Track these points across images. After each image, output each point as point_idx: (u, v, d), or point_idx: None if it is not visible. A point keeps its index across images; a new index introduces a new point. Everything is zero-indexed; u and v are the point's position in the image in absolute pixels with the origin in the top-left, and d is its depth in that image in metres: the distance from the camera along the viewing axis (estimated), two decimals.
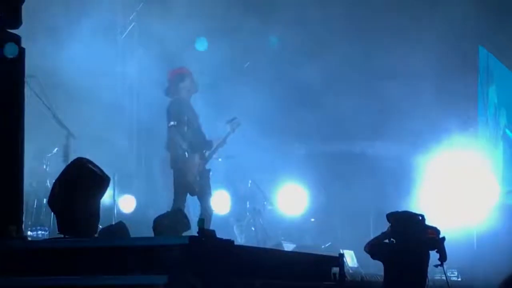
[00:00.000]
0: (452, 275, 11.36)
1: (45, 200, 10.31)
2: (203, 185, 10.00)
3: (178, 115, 9.95)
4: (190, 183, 9.91)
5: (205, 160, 10.09)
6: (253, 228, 12.14)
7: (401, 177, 12.11)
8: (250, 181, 12.41)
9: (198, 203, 10.12)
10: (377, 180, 12.23)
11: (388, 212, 7.59)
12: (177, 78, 10.16)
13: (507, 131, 13.53)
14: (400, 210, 7.69)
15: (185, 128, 9.97)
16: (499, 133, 13.24)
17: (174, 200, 9.86)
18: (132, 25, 14.25)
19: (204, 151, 10.09)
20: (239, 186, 12.47)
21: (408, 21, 12.14)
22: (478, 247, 12.10)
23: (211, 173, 10.20)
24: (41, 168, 11.03)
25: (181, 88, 10.11)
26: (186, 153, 9.91)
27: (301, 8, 12.59)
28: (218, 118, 10.99)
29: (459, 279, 11.45)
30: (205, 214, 9.73)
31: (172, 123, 9.94)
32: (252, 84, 12.38)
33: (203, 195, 9.96)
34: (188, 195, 10.05)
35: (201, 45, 13.39)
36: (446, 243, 7.43)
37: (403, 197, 11.53)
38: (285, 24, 12.55)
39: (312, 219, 12.80)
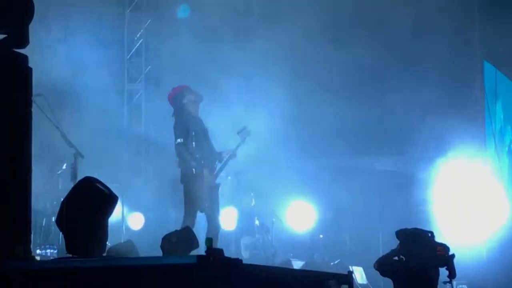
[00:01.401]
0: None
1: (53, 218, 10.32)
2: (213, 200, 9.96)
3: (184, 131, 9.92)
4: (199, 199, 9.88)
5: (214, 174, 10.07)
6: (261, 248, 12.09)
7: (410, 193, 12.08)
8: (252, 194, 12.37)
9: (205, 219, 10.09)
10: (386, 196, 12.19)
11: (397, 229, 7.57)
12: (177, 97, 10.15)
13: None
14: (409, 227, 7.67)
15: (193, 144, 9.95)
16: (504, 149, 13.21)
17: (184, 217, 9.83)
18: (139, 42, 14.31)
19: (214, 165, 10.06)
20: (247, 202, 12.44)
21: (414, 35, 12.13)
22: (487, 261, 12.05)
23: (220, 189, 10.18)
24: (50, 187, 11.05)
25: (185, 104, 10.09)
26: (194, 170, 9.88)
27: (303, 13, 12.60)
28: (228, 129, 10.97)
29: None
30: (213, 231, 9.70)
31: (178, 140, 9.92)
32: (259, 98, 12.37)
33: (212, 212, 9.92)
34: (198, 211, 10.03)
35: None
36: (456, 258, 7.40)
37: (412, 213, 11.50)
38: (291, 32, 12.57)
39: (321, 236, 12.75)
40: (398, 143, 12.57)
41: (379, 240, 11.61)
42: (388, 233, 7.93)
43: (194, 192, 9.86)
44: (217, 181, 10.16)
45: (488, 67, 13.03)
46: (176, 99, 10.15)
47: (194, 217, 9.85)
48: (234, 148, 10.25)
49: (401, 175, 12.40)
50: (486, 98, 12.93)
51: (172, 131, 10.09)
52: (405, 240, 7.45)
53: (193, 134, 9.94)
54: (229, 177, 10.44)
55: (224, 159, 10.18)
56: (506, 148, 13.32)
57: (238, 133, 10.35)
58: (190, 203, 9.88)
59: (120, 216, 12.49)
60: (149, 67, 14.32)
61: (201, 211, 9.98)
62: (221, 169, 10.19)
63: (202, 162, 9.95)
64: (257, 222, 12.42)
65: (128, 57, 14.29)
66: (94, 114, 12.00)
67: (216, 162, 10.13)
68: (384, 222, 11.22)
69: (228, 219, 11.78)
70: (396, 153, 12.74)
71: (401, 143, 12.58)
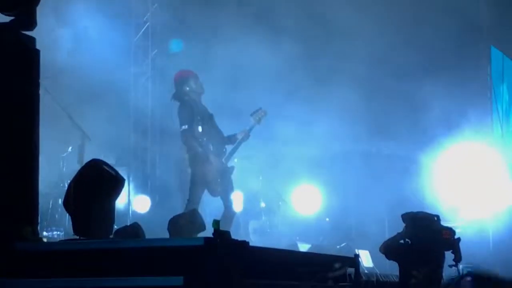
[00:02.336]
0: None
1: (60, 200, 10.36)
2: (226, 184, 9.94)
3: (189, 117, 9.85)
4: (209, 183, 9.88)
5: (225, 157, 10.04)
6: (268, 230, 12.12)
7: (415, 176, 12.07)
8: (260, 178, 12.39)
9: (213, 203, 10.10)
10: (392, 179, 12.18)
11: (403, 212, 7.57)
12: (181, 81, 10.06)
13: None
14: (415, 210, 7.67)
15: (199, 128, 9.93)
16: (509, 129, 13.24)
17: (188, 200, 9.85)
18: (146, 26, 14.29)
19: (223, 149, 10.04)
20: (253, 185, 12.46)
21: (421, 20, 12.09)
22: (493, 245, 12.05)
23: (234, 171, 10.15)
24: (57, 169, 11.07)
25: (187, 91, 9.99)
26: (201, 155, 9.84)
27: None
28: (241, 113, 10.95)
29: None
30: (229, 214, 9.73)
31: (184, 127, 9.84)
32: (267, 79, 12.35)
33: (226, 195, 9.92)
34: (208, 194, 10.02)
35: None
36: (461, 242, 7.41)
37: (419, 196, 11.51)
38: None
39: (327, 219, 12.77)
40: (405, 127, 12.54)
41: (385, 223, 11.63)
42: (394, 216, 7.93)
43: (202, 177, 9.84)
44: (230, 164, 10.13)
45: (495, 52, 13.03)
46: (180, 84, 10.07)
47: (198, 200, 9.84)
48: (247, 129, 10.20)
49: (408, 159, 12.37)
50: (492, 82, 12.93)
51: (177, 116, 10.05)
52: (410, 223, 7.46)
53: (199, 118, 9.88)
54: (236, 160, 10.41)
55: (237, 141, 10.13)
56: (511, 128, 13.36)
57: (251, 114, 10.30)
58: (195, 188, 9.88)
59: (126, 199, 12.52)
60: (156, 50, 14.30)
61: (214, 196, 9.98)
62: (233, 152, 10.13)
63: (210, 146, 9.93)
64: (263, 205, 12.44)
65: (135, 40, 14.27)
66: (101, 97, 11.99)
67: (226, 146, 10.10)
68: (390, 206, 11.21)
69: (234, 202, 11.80)
70: (403, 137, 12.71)
71: (408, 127, 12.54)
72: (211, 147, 9.93)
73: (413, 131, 12.54)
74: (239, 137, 10.16)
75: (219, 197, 9.96)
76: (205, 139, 9.90)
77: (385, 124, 12.56)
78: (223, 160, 10.03)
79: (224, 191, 9.90)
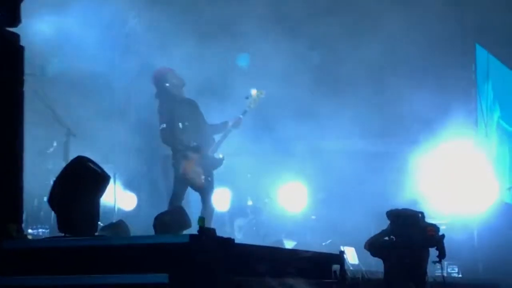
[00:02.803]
0: (452, 271, 11.39)
1: (45, 198, 10.30)
2: (208, 180, 9.88)
3: (168, 115, 9.80)
4: (191, 180, 9.84)
5: (211, 149, 9.92)
6: (254, 228, 12.12)
7: (401, 174, 12.11)
8: (249, 175, 12.39)
9: (199, 200, 10.08)
10: (377, 176, 12.23)
11: (388, 209, 7.60)
12: (159, 79, 10.00)
13: (501, 121, 13.63)
14: (400, 207, 7.70)
15: (180, 125, 9.83)
16: (493, 126, 13.31)
17: (171, 197, 9.82)
18: (134, 21, 14.23)
19: (210, 140, 9.89)
20: (239, 182, 12.46)
21: (404, 17, 12.11)
22: (478, 243, 12.11)
23: (224, 163, 9.99)
24: (41, 166, 11.01)
25: (168, 88, 9.92)
26: (180, 152, 9.76)
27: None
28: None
29: (460, 275, 11.47)
30: (207, 211, 9.68)
31: (162, 125, 9.81)
32: (256, 73, 12.33)
33: (206, 192, 9.89)
34: (192, 191, 9.99)
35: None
36: (446, 240, 7.44)
37: (404, 193, 11.54)
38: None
39: (313, 217, 12.79)
40: (389, 124, 12.59)
41: (371, 220, 11.65)
42: (380, 213, 7.95)
43: (183, 175, 9.80)
44: (218, 155, 10.00)
45: (480, 50, 13.09)
46: (159, 82, 10.01)
47: (181, 197, 9.80)
48: (239, 116, 10.00)
49: (393, 156, 12.42)
50: (477, 80, 12.99)
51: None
52: (395, 220, 7.49)
53: (179, 115, 9.80)
54: (221, 155, 10.28)
55: (227, 129, 9.94)
56: (495, 125, 13.44)
57: (247, 97, 10.08)
58: (177, 185, 9.85)
59: (112, 197, 12.48)
60: (143, 46, 14.24)
61: (196, 190, 9.93)
62: (220, 142, 9.92)
63: (192, 142, 9.85)
64: (250, 203, 12.45)
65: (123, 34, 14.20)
66: (86, 93, 11.95)
67: (214, 136, 9.95)
68: (376, 203, 11.25)
69: (221, 200, 11.79)
70: (388, 134, 12.76)
71: (392, 125, 12.60)
72: (193, 143, 9.84)
73: (397, 128, 12.59)
74: (230, 124, 9.96)
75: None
76: (185, 135, 9.81)
77: (370, 121, 12.59)
78: (209, 152, 9.90)
79: (205, 188, 9.83)
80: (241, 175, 12.40)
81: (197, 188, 9.87)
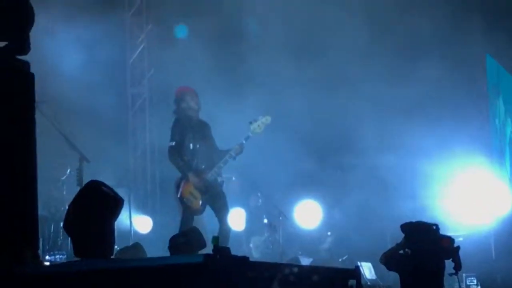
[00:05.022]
0: (471, 283, 11.32)
1: (61, 224, 10.37)
2: (215, 200, 9.94)
3: (178, 134, 9.96)
4: (186, 202, 9.91)
5: (210, 172, 10.00)
6: (271, 246, 12.11)
7: (415, 188, 12.08)
8: (259, 194, 12.38)
9: (215, 220, 10.09)
10: (392, 191, 12.20)
11: (402, 222, 7.58)
12: (178, 98, 10.21)
13: None
14: (414, 220, 7.68)
15: (190, 146, 9.94)
16: (505, 141, 13.25)
17: (180, 221, 9.88)
18: (142, 46, 14.35)
19: (212, 166, 9.97)
20: (253, 201, 12.47)
21: (415, 30, 12.14)
22: (496, 254, 12.05)
23: (224, 186, 10.09)
24: (56, 193, 11.09)
25: (184, 108, 10.11)
26: (183, 173, 9.89)
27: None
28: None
29: (478, 287, 11.41)
30: (223, 232, 9.71)
31: (171, 143, 9.97)
32: (265, 95, 12.38)
33: (219, 211, 9.91)
34: (210, 211, 10.04)
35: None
36: (464, 251, 7.41)
37: (419, 207, 11.51)
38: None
39: (329, 233, 12.77)
40: (403, 139, 12.54)
41: (387, 235, 11.62)
42: (396, 228, 7.93)
43: (180, 198, 9.94)
44: (220, 179, 10.07)
45: (490, 60, 13.04)
46: (177, 100, 10.22)
47: (190, 219, 9.85)
48: (241, 142, 10.03)
49: (408, 171, 12.36)
50: (488, 93, 12.96)
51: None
52: (410, 233, 7.46)
53: (191, 136, 9.96)
54: (234, 178, 10.32)
55: (227, 155, 10.00)
56: (507, 140, 13.36)
57: (251, 122, 10.12)
58: (182, 207, 9.97)
59: (128, 220, 12.53)
60: (152, 69, 14.36)
61: (196, 214, 9.97)
62: (218, 167, 9.98)
63: (196, 164, 9.95)
64: (265, 221, 12.45)
65: (131, 61, 14.34)
66: (98, 119, 12.04)
67: (219, 163, 10.07)
68: (392, 217, 11.23)
69: (237, 219, 11.81)
70: (402, 149, 12.72)
71: (406, 139, 12.55)
72: (201, 166, 9.94)
73: (411, 143, 12.55)
74: (233, 154, 10.00)
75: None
76: (193, 157, 9.93)
77: (384, 137, 12.58)
78: (209, 175, 9.96)
79: (216, 208, 9.90)
80: (253, 193, 12.42)
81: (192, 212, 9.91)
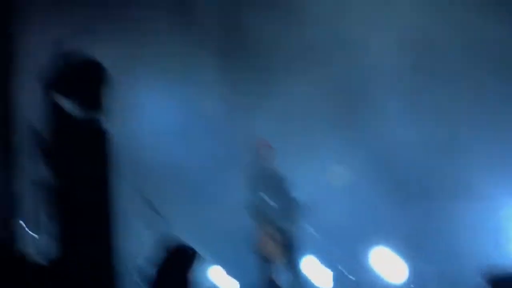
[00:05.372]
0: None
1: None
2: (290, 253, 10.41)
3: (256, 187, 10.43)
4: (270, 254, 10.31)
5: (289, 224, 10.42)
6: None
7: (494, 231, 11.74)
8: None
9: None
10: (481, 233, 11.81)
11: (484, 271, 7.20)
12: (256, 149, 10.74)
13: None
14: (500, 270, 7.29)
15: (269, 201, 10.36)
16: None
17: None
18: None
19: (287, 217, 10.42)
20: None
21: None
22: None
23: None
24: None
25: (258, 158, 10.67)
26: (263, 227, 10.35)
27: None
28: None
29: None
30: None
31: (251, 201, 10.41)
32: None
33: (291, 266, 10.44)
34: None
35: None
36: None
37: (503, 253, 11.21)
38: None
39: (412, 286, 12.48)
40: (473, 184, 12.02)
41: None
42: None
43: (258, 248, 10.28)
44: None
45: None
46: (256, 149, 10.73)
47: (270, 272, 10.19)
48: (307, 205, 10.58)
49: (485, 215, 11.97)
50: None
51: None
52: (496, 285, 7.10)
53: (264, 188, 10.36)
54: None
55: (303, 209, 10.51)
56: None
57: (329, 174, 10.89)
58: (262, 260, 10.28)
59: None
60: None
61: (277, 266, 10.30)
62: (293, 220, 10.46)
63: (281, 225, 10.27)
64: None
65: None
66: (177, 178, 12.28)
67: (293, 212, 10.35)
68: (476, 265, 10.94)
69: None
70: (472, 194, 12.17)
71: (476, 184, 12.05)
72: (284, 225, 10.29)
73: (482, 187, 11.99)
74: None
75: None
76: (274, 215, 10.29)
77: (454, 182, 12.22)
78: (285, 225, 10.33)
79: (290, 262, 10.32)
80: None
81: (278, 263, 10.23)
